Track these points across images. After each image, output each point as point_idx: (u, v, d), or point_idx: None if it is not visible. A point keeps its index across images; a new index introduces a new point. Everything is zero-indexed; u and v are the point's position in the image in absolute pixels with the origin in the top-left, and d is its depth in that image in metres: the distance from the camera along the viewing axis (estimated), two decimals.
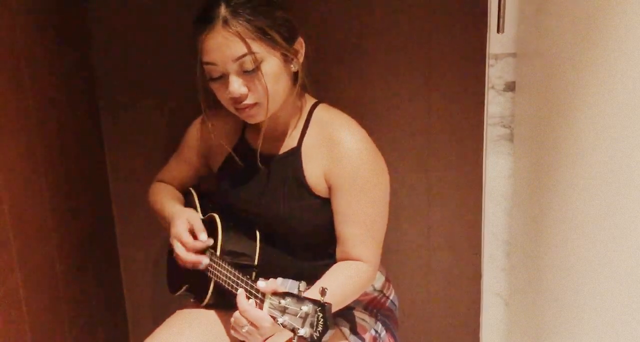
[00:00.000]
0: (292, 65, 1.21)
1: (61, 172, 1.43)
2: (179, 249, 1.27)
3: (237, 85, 1.16)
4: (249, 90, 1.17)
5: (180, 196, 1.46)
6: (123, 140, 1.69)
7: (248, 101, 1.17)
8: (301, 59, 1.23)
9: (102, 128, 1.68)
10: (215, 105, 1.29)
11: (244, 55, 1.14)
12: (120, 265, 1.79)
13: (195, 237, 1.27)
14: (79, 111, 1.55)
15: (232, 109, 1.22)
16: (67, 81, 1.48)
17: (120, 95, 1.65)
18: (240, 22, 1.13)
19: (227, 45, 1.13)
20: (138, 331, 1.83)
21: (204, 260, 1.26)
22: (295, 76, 1.25)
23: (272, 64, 1.17)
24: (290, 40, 1.20)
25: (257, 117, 1.21)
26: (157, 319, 1.34)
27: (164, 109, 1.66)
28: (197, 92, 1.25)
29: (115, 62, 1.63)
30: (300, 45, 1.23)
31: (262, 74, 1.15)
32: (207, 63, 1.17)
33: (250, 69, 1.15)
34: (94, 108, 1.65)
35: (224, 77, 1.17)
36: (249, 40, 1.13)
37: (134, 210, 1.74)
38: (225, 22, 1.13)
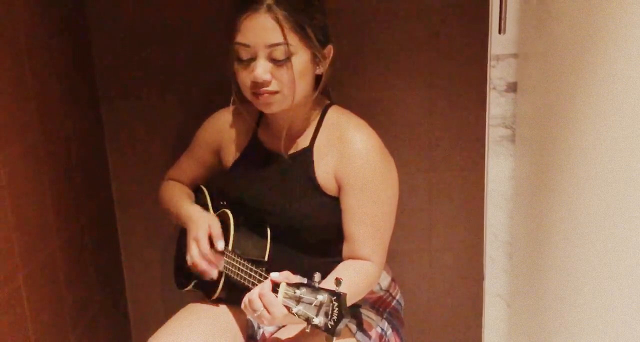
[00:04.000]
0: (317, 68, 1.24)
1: (63, 172, 1.43)
2: (194, 253, 1.29)
3: (262, 70, 1.18)
4: (273, 77, 1.19)
5: (191, 193, 1.48)
6: (125, 139, 1.70)
7: (270, 88, 1.19)
8: (326, 65, 1.26)
9: (104, 127, 1.69)
10: (233, 102, 1.34)
11: (278, 44, 1.17)
12: (122, 264, 1.80)
13: (212, 243, 1.29)
14: (80, 110, 1.55)
15: (248, 95, 1.24)
16: (69, 79, 1.49)
17: (122, 94, 1.66)
18: (284, 12, 1.16)
19: (265, 29, 1.16)
20: (140, 331, 1.84)
21: (214, 272, 1.28)
22: (316, 80, 1.29)
23: (302, 59, 1.20)
24: (323, 43, 1.23)
25: (273, 106, 1.22)
26: (160, 319, 1.34)
27: (167, 107, 1.66)
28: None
29: (117, 60, 1.63)
30: (329, 51, 1.27)
31: (291, 65, 1.17)
32: (240, 44, 1.19)
33: (281, 59, 1.17)
34: (96, 107, 1.66)
35: (251, 61, 1.19)
36: (286, 31, 1.16)
37: (137, 209, 1.75)
38: (270, 8, 1.16)
